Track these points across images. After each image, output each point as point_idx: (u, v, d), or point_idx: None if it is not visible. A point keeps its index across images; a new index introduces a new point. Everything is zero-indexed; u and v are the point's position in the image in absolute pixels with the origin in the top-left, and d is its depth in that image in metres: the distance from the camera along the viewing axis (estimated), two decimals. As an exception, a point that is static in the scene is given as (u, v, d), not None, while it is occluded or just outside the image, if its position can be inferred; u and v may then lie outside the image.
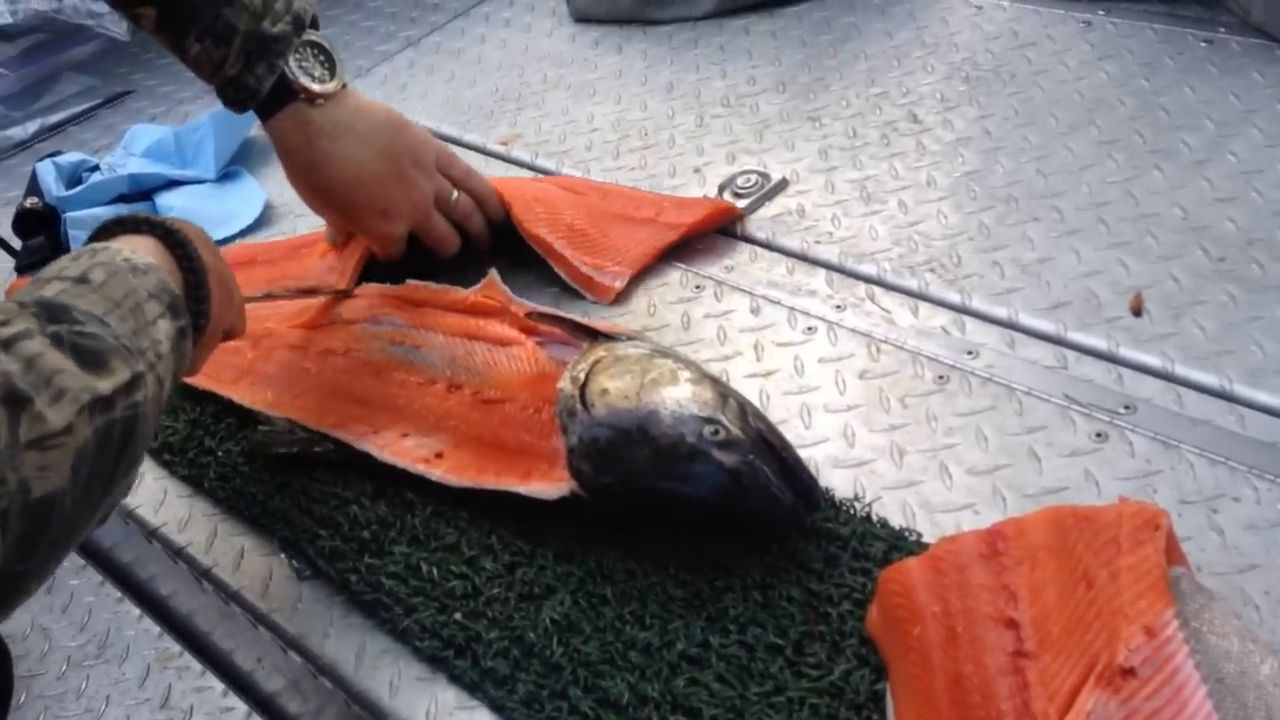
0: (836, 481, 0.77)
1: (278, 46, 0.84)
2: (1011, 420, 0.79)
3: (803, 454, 0.79)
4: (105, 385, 0.54)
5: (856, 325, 0.91)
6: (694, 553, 0.73)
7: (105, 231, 0.68)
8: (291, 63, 0.86)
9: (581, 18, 1.49)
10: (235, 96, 0.86)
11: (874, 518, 0.74)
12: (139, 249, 0.65)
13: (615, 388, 0.74)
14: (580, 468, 0.73)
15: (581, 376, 0.76)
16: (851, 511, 0.75)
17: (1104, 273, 0.90)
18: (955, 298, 0.91)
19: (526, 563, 0.75)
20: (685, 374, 0.74)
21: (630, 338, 0.84)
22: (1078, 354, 0.84)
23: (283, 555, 0.82)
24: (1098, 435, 0.77)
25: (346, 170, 0.91)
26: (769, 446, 0.71)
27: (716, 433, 0.70)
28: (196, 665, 0.77)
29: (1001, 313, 0.89)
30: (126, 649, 0.79)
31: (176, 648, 0.78)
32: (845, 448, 0.80)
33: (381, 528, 0.80)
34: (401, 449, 0.82)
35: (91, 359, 0.54)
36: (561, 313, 0.90)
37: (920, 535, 0.72)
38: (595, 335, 0.84)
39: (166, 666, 0.77)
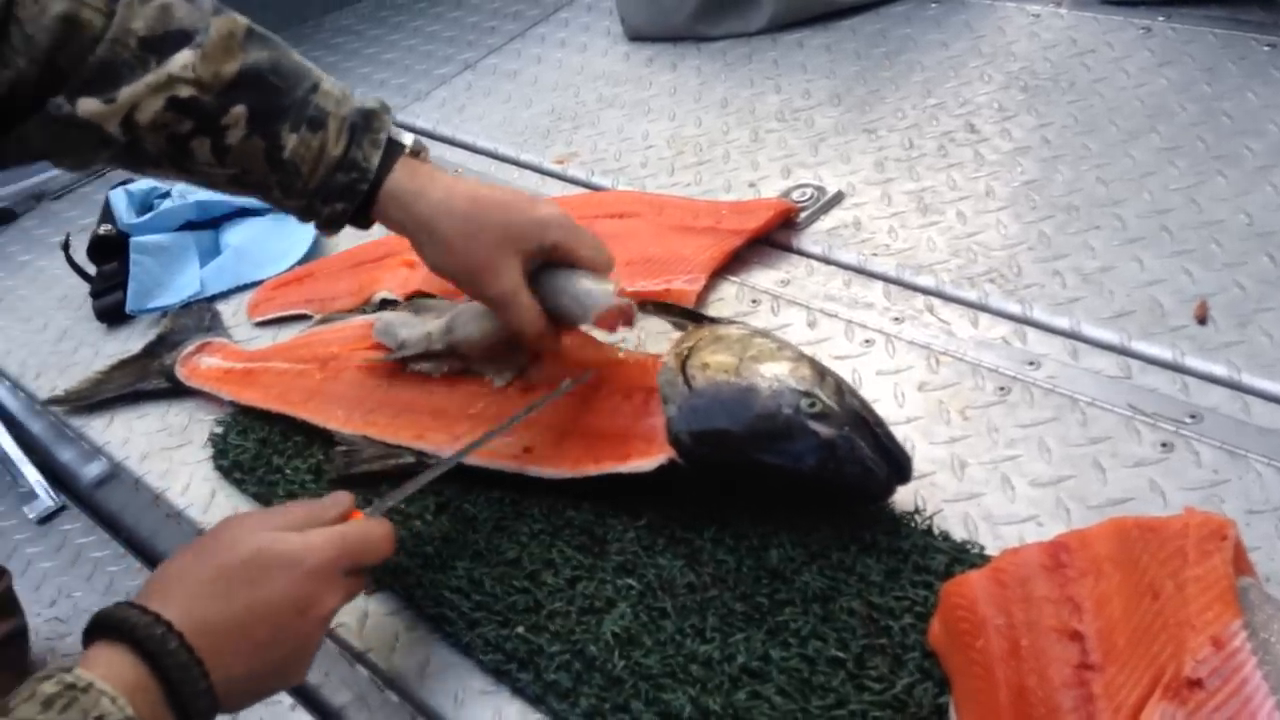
0: (896, 495, 0.77)
1: (375, 122, 0.80)
2: (1075, 431, 0.79)
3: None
4: None
5: (915, 337, 0.90)
6: (753, 565, 0.73)
7: (98, 627, 0.60)
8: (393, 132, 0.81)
9: (636, 36, 1.50)
10: (342, 182, 0.79)
11: (935, 530, 0.74)
12: (122, 681, 0.56)
13: (716, 362, 0.77)
14: (680, 436, 0.75)
15: (684, 353, 0.79)
16: (912, 525, 0.74)
17: (1168, 281, 0.89)
18: (1016, 308, 0.90)
19: (587, 577, 0.76)
20: (784, 352, 0.78)
21: (731, 321, 0.86)
22: (1142, 363, 0.83)
23: (349, 570, 0.83)
24: (1163, 445, 0.76)
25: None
26: (863, 422, 0.73)
27: (813, 405, 0.73)
28: (266, 679, 0.78)
29: (1063, 323, 0.88)
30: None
31: (246, 662, 0.80)
32: (905, 460, 0.80)
33: (444, 543, 0.81)
34: (487, 450, 0.84)
35: None
36: (662, 299, 0.92)
37: (983, 548, 0.71)
38: (699, 319, 0.88)
39: (237, 680, 0.79)
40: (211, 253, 1.26)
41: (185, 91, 0.74)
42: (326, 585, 0.65)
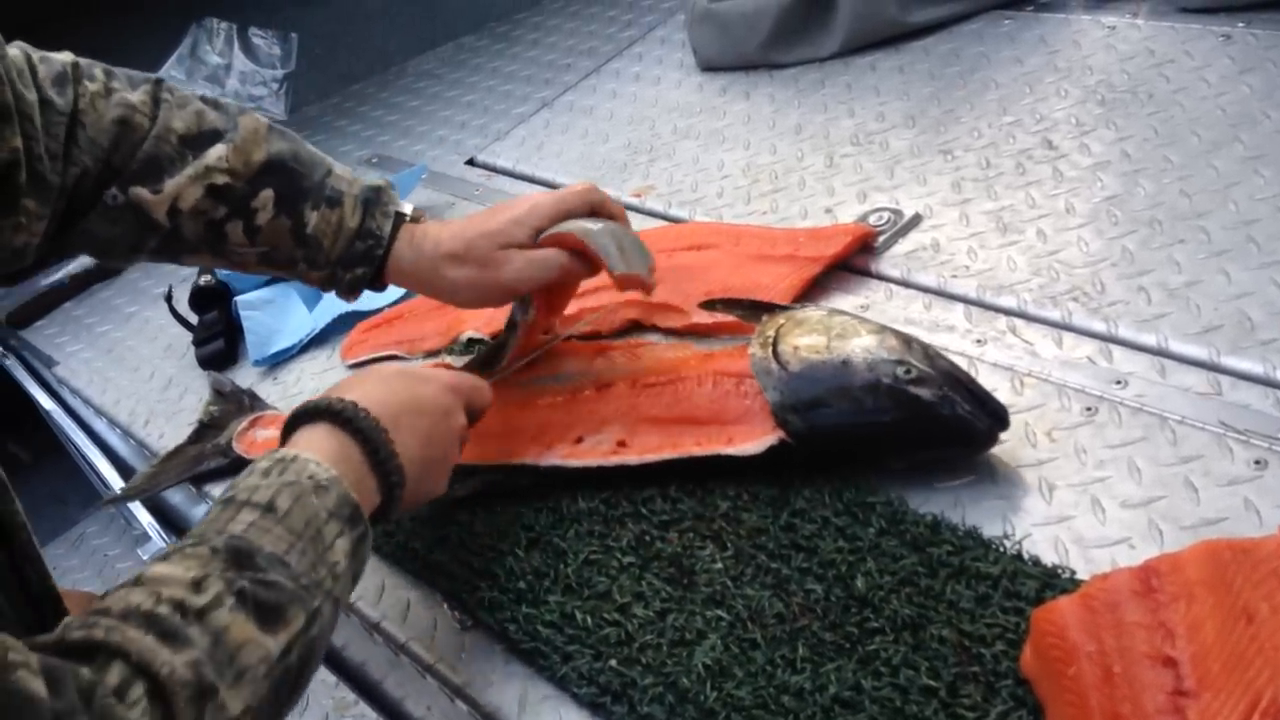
0: (983, 519, 0.77)
1: (384, 196, 0.89)
2: (1165, 450, 0.78)
3: (946, 493, 0.79)
4: (282, 640, 0.59)
5: (998, 359, 0.90)
6: (842, 594, 0.74)
7: (296, 420, 0.73)
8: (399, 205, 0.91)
9: (708, 67, 1.52)
10: (361, 249, 0.87)
11: (1025, 555, 0.73)
12: (324, 450, 0.69)
13: (806, 343, 0.81)
14: (787, 419, 0.80)
15: (769, 339, 0.83)
16: (1001, 549, 0.74)
17: (1256, 293, 0.87)
18: (1101, 326, 0.90)
19: (676, 609, 0.77)
20: (866, 325, 0.82)
21: (802, 306, 0.89)
22: (1232, 379, 0.82)
23: (445, 607, 0.85)
24: (1257, 463, 0.75)
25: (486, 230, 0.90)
26: (957, 379, 0.78)
27: (909, 371, 0.77)
28: (371, 713, 0.81)
29: (1150, 340, 0.87)
30: (307, 698, 0.84)
31: (352, 696, 0.83)
32: (991, 485, 0.79)
33: (536, 577, 0.83)
34: (581, 451, 0.87)
35: (271, 615, 0.59)
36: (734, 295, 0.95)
37: (1074, 572, 0.71)
38: (772, 309, 0.90)
39: (344, 715, 0.82)
40: (314, 296, 1.30)
41: (220, 179, 0.84)
42: (458, 404, 0.80)
